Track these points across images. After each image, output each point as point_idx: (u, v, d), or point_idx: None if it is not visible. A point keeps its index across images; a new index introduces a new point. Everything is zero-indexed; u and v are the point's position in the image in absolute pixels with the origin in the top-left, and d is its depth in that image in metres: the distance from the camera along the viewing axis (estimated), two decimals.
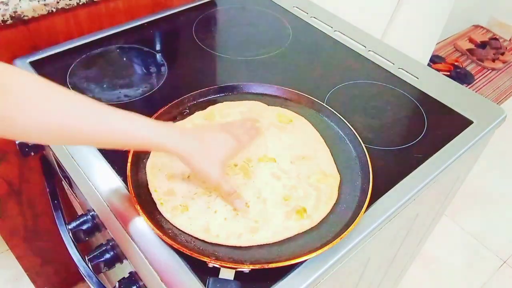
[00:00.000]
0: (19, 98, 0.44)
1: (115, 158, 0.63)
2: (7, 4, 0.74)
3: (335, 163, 0.63)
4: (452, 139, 0.70)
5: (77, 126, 0.47)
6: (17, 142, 0.76)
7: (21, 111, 0.44)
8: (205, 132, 0.59)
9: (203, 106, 0.70)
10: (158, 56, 0.83)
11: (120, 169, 0.61)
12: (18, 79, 0.45)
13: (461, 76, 2.22)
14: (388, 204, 0.60)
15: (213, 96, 0.72)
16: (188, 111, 0.69)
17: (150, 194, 0.58)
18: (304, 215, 0.56)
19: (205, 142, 0.56)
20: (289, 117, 0.69)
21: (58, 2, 0.79)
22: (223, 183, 0.55)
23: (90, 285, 0.68)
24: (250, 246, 0.53)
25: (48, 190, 0.82)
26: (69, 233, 0.65)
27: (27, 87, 0.45)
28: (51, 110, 0.46)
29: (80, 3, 0.82)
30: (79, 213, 0.69)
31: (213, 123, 0.67)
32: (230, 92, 0.73)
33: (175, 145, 0.52)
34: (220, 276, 0.49)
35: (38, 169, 0.85)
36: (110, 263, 0.61)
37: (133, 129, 0.50)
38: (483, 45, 2.41)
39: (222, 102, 0.71)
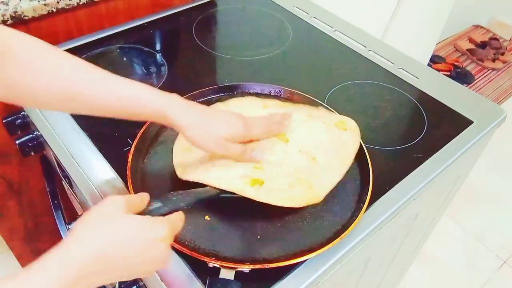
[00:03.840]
0: (20, 60, 0.45)
1: (115, 157, 0.63)
2: (7, 4, 0.74)
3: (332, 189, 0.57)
4: (452, 139, 0.70)
5: (78, 90, 0.47)
6: (17, 142, 0.76)
7: (23, 73, 0.45)
8: (212, 108, 0.56)
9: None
10: (158, 56, 0.83)
11: (120, 169, 0.61)
12: (18, 41, 0.46)
13: (461, 76, 2.22)
14: (388, 204, 0.60)
15: (213, 96, 0.72)
16: None
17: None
18: (256, 185, 0.53)
19: (207, 115, 0.54)
20: (347, 125, 0.64)
21: (58, 2, 0.79)
22: (223, 150, 0.53)
23: None
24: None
25: (48, 190, 0.82)
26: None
27: (28, 49, 0.46)
28: (54, 74, 0.47)
29: (80, 3, 0.82)
30: (79, 213, 0.69)
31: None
32: (230, 92, 0.73)
33: (173, 113, 0.50)
34: (220, 276, 0.49)
35: (38, 169, 0.85)
36: None
37: (132, 94, 0.49)
38: (483, 45, 2.41)
39: (223, 100, 0.71)
